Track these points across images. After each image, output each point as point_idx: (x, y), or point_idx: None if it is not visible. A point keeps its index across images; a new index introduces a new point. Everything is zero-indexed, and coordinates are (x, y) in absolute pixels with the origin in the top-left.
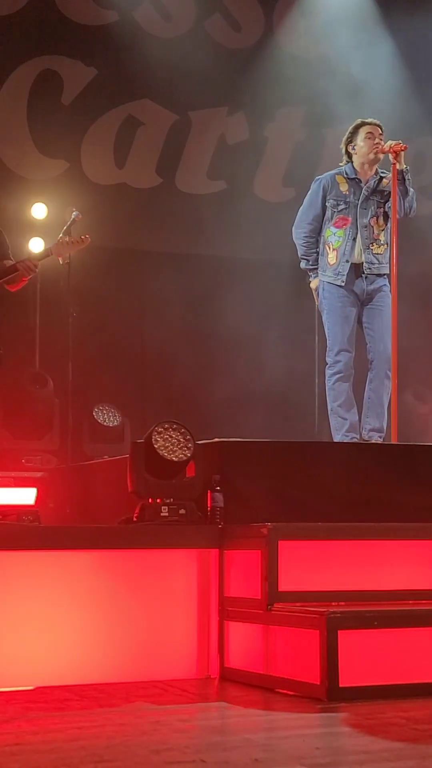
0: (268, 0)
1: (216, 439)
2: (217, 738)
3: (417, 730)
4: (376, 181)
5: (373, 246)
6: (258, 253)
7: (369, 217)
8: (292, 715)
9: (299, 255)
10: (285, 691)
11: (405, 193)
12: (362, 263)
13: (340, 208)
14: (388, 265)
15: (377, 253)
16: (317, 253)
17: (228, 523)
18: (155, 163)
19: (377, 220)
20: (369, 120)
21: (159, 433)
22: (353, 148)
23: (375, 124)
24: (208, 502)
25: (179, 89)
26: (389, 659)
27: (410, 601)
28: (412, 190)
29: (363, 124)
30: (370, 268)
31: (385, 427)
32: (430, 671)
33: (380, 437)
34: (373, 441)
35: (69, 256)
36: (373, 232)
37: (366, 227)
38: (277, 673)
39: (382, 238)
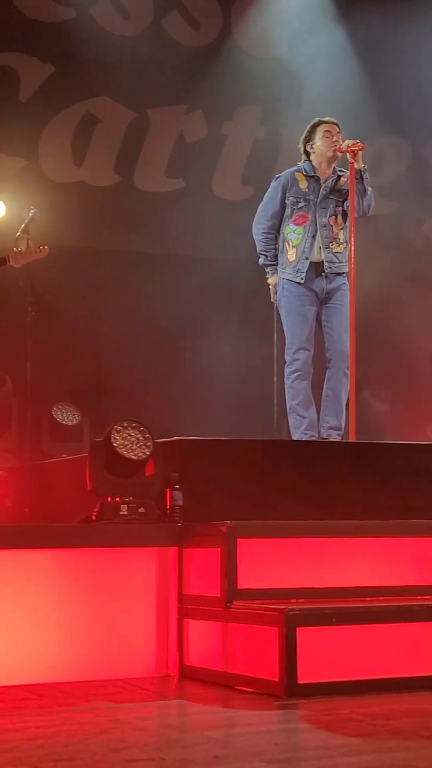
0: None
1: (175, 438)
2: (176, 735)
3: (374, 726)
4: (335, 180)
5: (332, 245)
6: (217, 251)
7: (328, 215)
8: (250, 712)
9: (258, 251)
10: (244, 688)
11: (363, 192)
12: (322, 262)
13: (300, 205)
14: (347, 263)
15: (337, 252)
16: (276, 249)
17: (187, 522)
18: (113, 161)
19: (336, 219)
20: (326, 119)
21: (118, 431)
22: (311, 147)
23: (332, 123)
24: (168, 500)
25: (137, 87)
26: (347, 656)
27: (368, 598)
28: (370, 189)
29: (320, 122)
30: (330, 267)
31: (343, 425)
32: (387, 667)
33: (339, 435)
34: (332, 439)
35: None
36: (333, 231)
37: (325, 226)
38: (236, 671)
39: (341, 236)
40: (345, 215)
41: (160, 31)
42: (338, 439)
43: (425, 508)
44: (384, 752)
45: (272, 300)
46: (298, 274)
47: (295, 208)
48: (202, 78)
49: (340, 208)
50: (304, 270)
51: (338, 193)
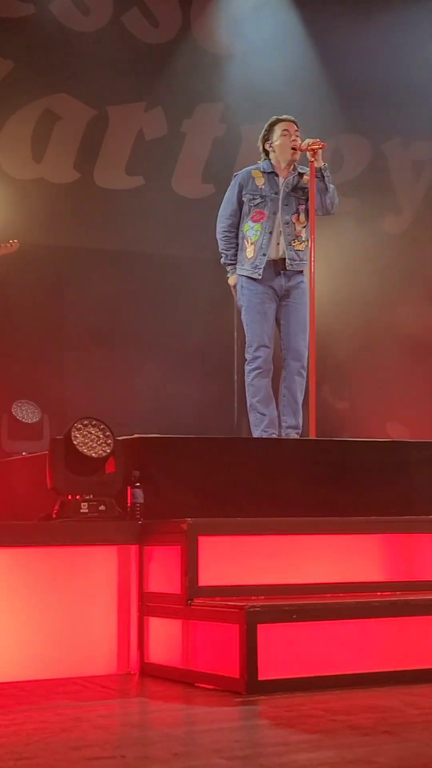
0: None
1: (136, 435)
2: (136, 733)
3: (335, 721)
4: (296, 178)
5: (294, 242)
6: (177, 249)
7: (290, 214)
8: (211, 709)
9: (219, 250)
10: (205, 686)
11: (325, 190)
12: (283, 259)
13: (256, 202)
14: (307, 261)
15: (298, 250)
16: (235, 248)
17: (148, 519)
18: (73, 158)
19: (298, 217)
20: (284, 117)
21: (78, 429)
22: (270, 146)
23: (290, 121)
24: (128, 498)
25: (97, 84)
26: (308, 652)
27: (329, 595)
28: (332, 186)
29: (278, 120)
30: (291, 265)
31: (301, 424)
32: (347, 663)
33: (297, 434)
34: (291, 438)
35: None
36: (295, 229)
37: (288, 224)
38: (196, 668)
39: (303, 234)
40: (307, 213)
41: (119, 28)
42: (297, 437)
43: (385, 504)
44: (344, 748)
45: (235, 299)
46: (256, 270)
47: (251, 205)
48: (161, 75)
49: (302, 206)
50: (262, 266)
51: (301, 192)
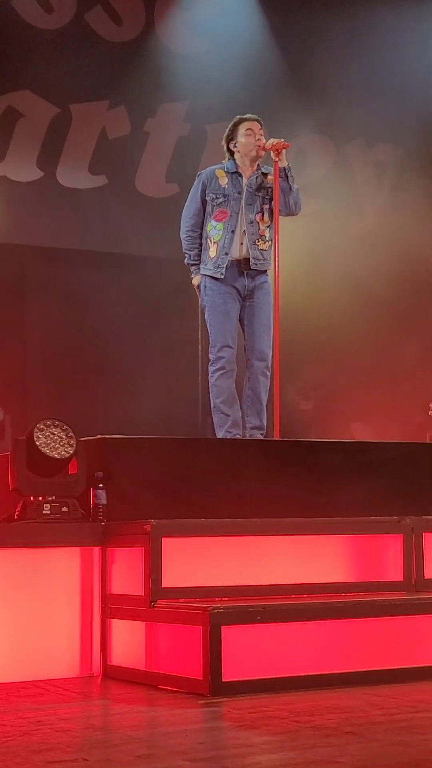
0: None
1: (99, 436)
2: (99, 736)
3: (299, 722)
4: (259, 178)
5: (258, 242)
6: (141, 248)
7: (254, 213)
8: (174, 711)
9: (183, 250)
10: (168, 688)
11: (288, 190)
12: (247, 259)
13: (219, 201)
14: (271, 261)
15: (262, 249)
16: (199, 248)
17: (111, 521)
18: (36, 156)
19: (262, 217)
20: (248, 116)
21: (41, 430)
22: (234, 145)
23: (254, 120)
24: (91, 499)
25: (60, 81)
26: (272, 653)
27: (293, 596)
28: (296, 186)
29: (242, 120)
30: (255, 264)
31: (265, 425)
32: (311, 664)
33: (261, 434)
34: (255, 438)
35: None
36: (259, 228)
37: (251, 223)
38: (160, 670)
39: (267, 234)
40: (271, 213)
41: (83, 26)
42: (261, 438)
43: (349, 505)
44: (308, 748)
45: (199, 299)
46: (218, 269)
47: (214, 204)
48: (125, 74)
49: (266, 206)
50: (224, 266)
51: (265, 191)
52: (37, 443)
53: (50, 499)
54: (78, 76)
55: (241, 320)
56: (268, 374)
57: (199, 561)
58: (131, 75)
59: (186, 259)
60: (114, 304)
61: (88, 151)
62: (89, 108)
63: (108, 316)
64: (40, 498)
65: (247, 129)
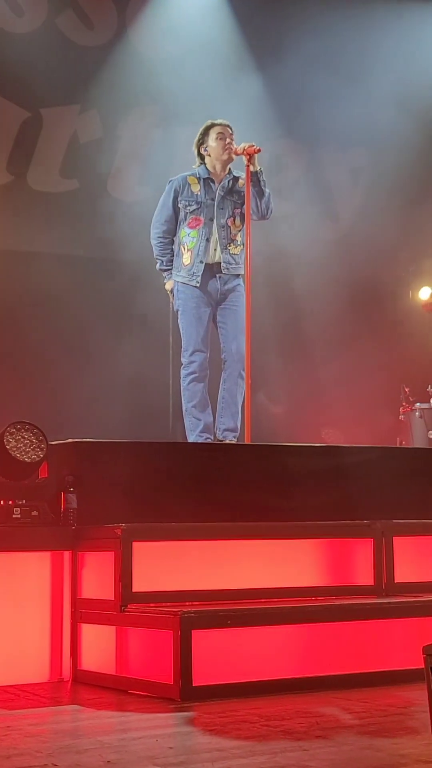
0: None
1: (69, 440)
2: (69, 741)
3: (269, 727)
4: (230, 182)
5: (230, 246)
6: (113, 252)
7: (226, 217)
8: (145, 716)
9: (154, 256)
10: (138, 692)
11: (260, 194)
12: (219, 263)
13: (192, 208)
14: (243, 265)
15: (234, 254)
16: (171, 254)
17: (81, 525)
18: (6, 160)
19: (234, 221)
20: (218, 121)
21: (11, 433)
22: (205, 150)
23: (224, 125)
24: (62, 503)
25: (31, 85)
26: (242, 657)
27: (263, 600)
28: (267, 191)
29: (213, 125)
30: (227, 268)
31: (239, 427)
32: (282, 668)
33: (234, 437)
34: (228, 441)
35: None
36: (230, 233)
37: (223, 227)
38: (130, 675)
39: (238, 238)
40: (243, 217)
41: (54, 30)
42: (234, 441)
43: (320, 509)
44: (278, 753)
45: (172, 304)
46: (194, 277)
47: (187, 211)
48: (96, 78)
49: (238, 210)
50: (199, 273)
51: (236, 195)
52: (8, 447)
53: (20, 503)
54: (49, 80)
55: (215, 323)
56: (244, 376)
57: (170, 565)
58: (103, 79)
59: (158, 265)
60: (85, 307)
61: (59, 155)
62: (60, 112)
63: (79, 320)
64: (10, 502)
65: (218, 133)
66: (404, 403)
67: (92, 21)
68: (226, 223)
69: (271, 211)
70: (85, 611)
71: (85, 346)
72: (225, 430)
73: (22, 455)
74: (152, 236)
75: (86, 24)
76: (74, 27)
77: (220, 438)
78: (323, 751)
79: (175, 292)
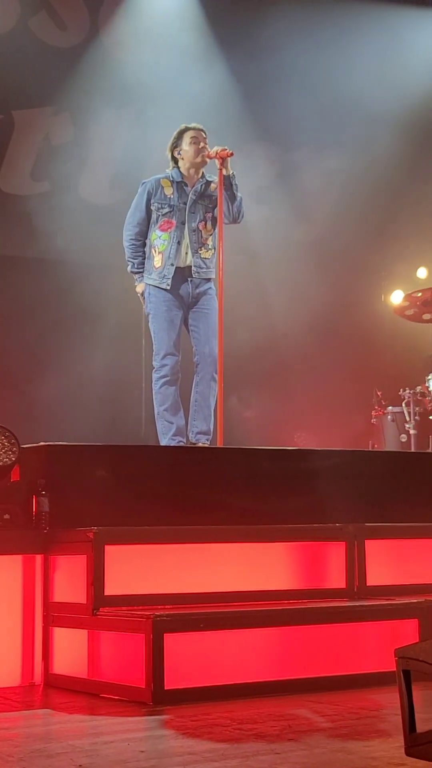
0: (93, 0)
1: (42, 443)
2: (40, 745)
3: (241, 730)
4: (203, 185)
5: (201, 250)
6: (85, 255)
7: (197, 221)
8: (117, 720)
9: (126, 258)
10: (111, 696)
11: (233, 198)
12: (190, 267)
13: (164, 211)
14: (214, 269)
15: (205, 258)
16: (143, 256)
17: (54, 528)
18: None
19: (205, 225)
20: (192, 125)
21: None
22: (179, 153)
23: (198, 129)
24: (34, 506)
25: (2, 87)
26: (215, 661)
27: (235, 603)
28: (239, 195)
29: (187, 129)
30: (198, 272)
31: (212, 430)
32: (254, 671)
33: (207, 440)
34: (200, 444)
35: None
36: (202, 236)
37: (195, 231)
38: (102, 678)
39: (210, 242)
40: (214, 221)
41: (26, 31)
42: (207, 443)
43: (293, 513)
44: (250, 756)
45: (143, 306)
46: (164, 280)
47: (160, 214)
48: (69, 80)
49: (209, 214)
50: (170, 276)
51: (208, 199)
52: None
53: None
54: (21, 82)
55: (187, 327)
56: (217, 379)
57: (142, 568)
58: (76, 81)
59: (129, 267)
60: (57, 310)
61: (30, 157)
62: (32, 114)
63: (51, 323)
64: None
65: (192, 137)
66: (376, 407)
67: (65, 22)
68: (198, 227)
69: (243, 216)
70: (57, 615)
71: (57, 350)
72: (198, 433)
73: None
74: (125, 238)
75: (59, 25)
76: (47, 28)
77: (193, 441)
78: (295, 754)
79: (146, 295)
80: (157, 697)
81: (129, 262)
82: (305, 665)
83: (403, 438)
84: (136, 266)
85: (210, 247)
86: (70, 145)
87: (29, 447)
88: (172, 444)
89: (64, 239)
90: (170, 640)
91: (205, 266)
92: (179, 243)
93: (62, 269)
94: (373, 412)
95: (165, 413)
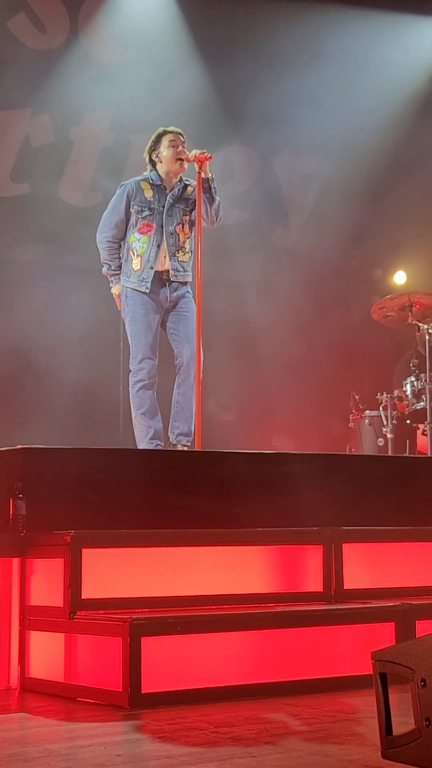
0: (73, 2)
1: (19, 446)
2: (16, 749)
3: (218, 733)
4: (181, 189)
5: (178, 253)
6: (63, 257)
7: (174, 224)
8: (93, 724)
9: (101, 260)
10: (87, 700)
11: (211, 201)
12: (167, 270)
13: (145, 214)
14: (192, 272)
15: (182, 261)
16: (119, 258)
17: (31, 531)
18: None
19: (183, 228)
20: (171, 128)
21: None
22: (157, 156)
23: (177, 132)
24: (10, 510)
25: None
26: (192, 664)
27: (213, 607)
28: (217, 198)
29: (165, 132)
30: (175, 276)
31: (193, 432)
32: (231, 675)
33: (188, 441)
34: (181, 446)
35: None
36: (179, 240)
37: (172, 234)
38: (79, 682)
39: (187, 245)
40: (192, 224)
41: (5, 33)
42: (188, 445)
43: (270, 516)
44: (226, 759)
45: (119, 309)
46: (143, 283)
47: (139, 216)
48: (49, 82)
49: (187, 217)
50: (149, 279)
51: (185, 202)
52: None
53: None
54: (1, 84)
55: (167, 330)
56: (198, 380)
57: (120, 572)
58: (55, 83)
59: (105, 269)
60: (34, 312)
61: (10, 159)
62: (12, 116)
63: (29, 325)
64: None
65: (171, 140)
66: (354, 411)
67: (44, 24)
68: (175, 230)
69: (221, 219)
70: (33, 618)
71: (34, 352)
72: (179, 434)
73: None
74: (100, 240)
75: (38, 28)
76: (26, 30)
77: (174, 442)
78: (272, 757)
79: (123, 298)
80: (134, 700)
81: (105, 264)
82: (282, 668)
83: (381, 442)
84: (113, 269)
85: (187, 250)
86: (50, 147)
87: (6, 450)
88: (151, 447)
89: (43, 241)
90: (147, 643)
91: (182, 269)
92: (158, 246)
93: (40, 271)
94: (351, 416)
95: (142, 417)
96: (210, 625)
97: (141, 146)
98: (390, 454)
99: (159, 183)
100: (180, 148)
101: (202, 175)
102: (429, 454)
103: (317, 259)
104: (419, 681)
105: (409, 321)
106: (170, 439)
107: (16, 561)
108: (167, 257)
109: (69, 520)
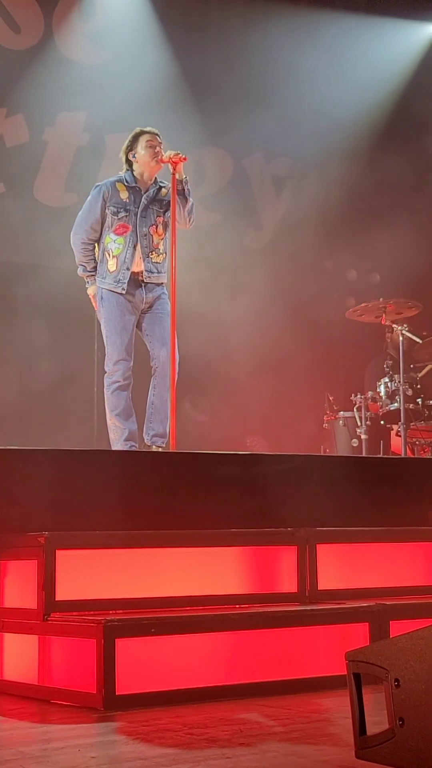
0: (48, 2)
1: None
2: None
3: (192, 735)
4: (156, 190)
5: (152, 255)
6: (38, 258)
7: (148, 225)
8: (67, 726)
9: (77, 261)
10: (62, 702)
11: (184, 202)
12: (142, 272)
13: (120, 215)
14: (166, 274)
15: (156, 262)
16: (95, 260)
17: (4, 533)
18: None
19: (156, 229)
20: (147, 129)
21: None
22: (133, 156)
23: (153, 133)
24: None
25: None
26: (166, 666)
27: (187, 608)
28: (191, 200)
29: (142, 132)
30: (149, 277)
31: (168, 433)
32: (205, 676)
33: (163, 442)
34: (156, 447)
35: None
36: (153, 241)
37: (146, 236)
38: (53, 684)
39: (161, 247)
40: (166, 226)
41: None
42: (163, 446)
43: (244, 517)
44: (201, 761)
45: (96, 309)
46: (119, 284)
47: (115, 218)
48: (23, 82)
49: (161, 219)
50: (125, 280)
51: (159, 204)
52: None
53: None
54: None
55: (142, 331)
56: (173, 382)
57: (94, 573)
58: (30, 83)
59: (80, 270)
60: (8, 312)
61: None
62: None
63: (2, 326)
64: None
65: (147, 141)
66: (328, 412)
67: (18, 24)
68: (149, 232)
69: (194, 221)
70: (7, 620)
71: (8, 353)
72: (154, 435)
73: None
74: (75, 241)
75: (12, 28)
76: (0, 30)
77: (149, 443)
78: (247, 758)
79: (98, 299)
80: (108, 702)
81: (81, 266)
82: (256, 669)
83: (355, 443)
84: (88, 270)
85: (161, 251)
86: (24, 147)
87: None
88: (125, 448)
89: (17, 241)
90: (121, 645)
91: (156, 271)
92: (134, 247)
93: (15, 271)
94: (325, 417)
95: (117, 418)
96: (184, 627)
97: (115, 146)
98: (364, 454)
99: (134, 184)
100: (157, 148)
101: (177, 176)
102: (402, 455)
103: (291, 260)
104: (393, 681)
105: (383, 323)
106: (145, 441)
107: None
108: (142, 258)
109: (43, 521)
